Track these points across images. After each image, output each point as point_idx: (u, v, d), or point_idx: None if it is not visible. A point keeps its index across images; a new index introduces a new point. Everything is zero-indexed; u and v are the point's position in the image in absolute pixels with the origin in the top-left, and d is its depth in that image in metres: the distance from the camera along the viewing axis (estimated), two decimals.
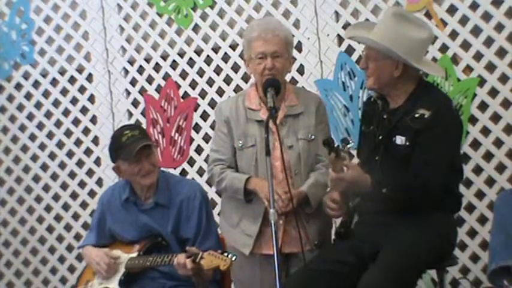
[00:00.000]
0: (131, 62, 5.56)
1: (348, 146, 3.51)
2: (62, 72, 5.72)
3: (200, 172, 5.31)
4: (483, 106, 4.70)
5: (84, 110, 5.66)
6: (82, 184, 5.68)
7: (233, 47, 5.23)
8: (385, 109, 3.79)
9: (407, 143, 3.63)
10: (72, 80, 5.69)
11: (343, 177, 3.58)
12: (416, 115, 3.64)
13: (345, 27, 4.98)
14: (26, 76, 5.80)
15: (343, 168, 3.57)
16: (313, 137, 4.02)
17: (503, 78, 4.66)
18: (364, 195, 3.67)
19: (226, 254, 3.84)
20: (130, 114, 5.55)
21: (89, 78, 5.66)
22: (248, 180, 3.97)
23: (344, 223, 3.77)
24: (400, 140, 3.66)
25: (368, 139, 3.82)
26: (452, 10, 4.75)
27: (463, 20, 4.73)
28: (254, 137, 4.01)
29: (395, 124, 3.69)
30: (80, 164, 5.68)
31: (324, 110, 4.15)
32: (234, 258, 3.82)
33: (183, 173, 5.39)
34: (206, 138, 5.28)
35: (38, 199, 5.78)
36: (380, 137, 3.73)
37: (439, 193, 3.59)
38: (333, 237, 4.10)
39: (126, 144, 4.11)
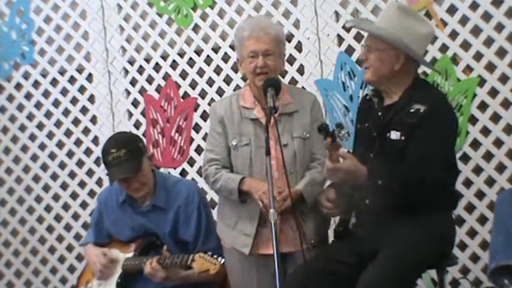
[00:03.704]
0: (131, 62, 5.56)
1: (343, 131, 3.47)
2: (62, 72, 5.72)
3: (200, 172, 5.28)
4: (483, 106, 4.69)
5: (84, 110, 5.66)
6: (82, 184, 5.68)
7: (233, 47, 5.21)
8: (380, 106, 3.79)
9: (403, 138, 3.62)
10: (72, 80, 5.69)
11: (340, 167, 3.56)
12: (412, 110, 3.63)
13: (344, 27, 4.98)
14: (26, 76, 5.80)
15: (339, 158, 3.55)
16: (308, 135, 4.00)
17: (503, 78, 4.66)
18: (359, 188, 3.66)
19: (216, 257, 3.85)
20: (131, 114, 5.55)
21: (89, 78, 5.66)
22: (242, 180, 3.95)
23: (342, 222, 3.77)
24: (395, 135, 3.65)
25: (363, 136, 3.82)
26: (452, 10, 4.75)
27: (463, 20, 4.73)
28: (248, 136, 3.99)
29: (390, 120, 3.69)
30: (80, 164, 5.68)
31: (319, 108, 4.13)
32: (222, 261, 3.83)
33: (183, 173, 5.39)
34: (206, 138, 5.27)
35: (38, 199, 5.78)
36: (375, 134, 3.73)
37: (434, 187, 3.58)
38: (330, 236, 4.11)
39: (110, 165, 4.13)
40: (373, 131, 3.74)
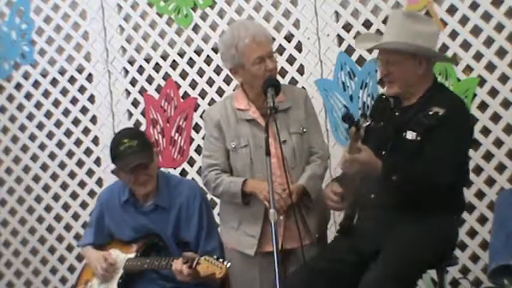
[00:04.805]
0: (131, 62, 5.56)
1: (367, 122, 3.51)
2: (62, 72, 5.72)
3: (200, 172, 5.30)
4: (483, 106, 4.70)
5: (84, 110, 5.66)
6: (82, 184, 5.68)
7: None
8: (397, 106, 3.80)
9: (418, 138, 3.64)
10: (72, 80, 5.69)
11: (357, 159, 3.56)
12: (430, 112, 3.66)
13: (345, 27, 4.98)
14: (26, 76, 5.80)
15: (357, 150, 3.56)
16: (305, 130, 4.04)
17: (503, 78, 4.66)
18: (367, 181, 3.66)
19: (221, 261, 3.84)
20: (131, 114, 5.55)
21: (89, 78, 5.66)
22: (244, 183, 3.96)
23: (347, 218, 3.77)
24: (411, 135, 3.67)
25: (375, 135, 3.80)
26: (452, 10, 4.75)
27: (463, 20, 4.73)
28: (246, 137, 4.01)
29: (407, 120, 3.71)
30: (80, 164, 5.68)
31: (310, 103, 4.17)
32: (228, 265, 3.82)
33: (183, 173, 5.39)
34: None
35: (38, 199, 5.78)
36: (390, 133, 3.74)
37: (447, 190, 3.59)
38: (329, 232, 4.11)
39: (123, 155, 4.11)
40: (389, 129, 3.76)
